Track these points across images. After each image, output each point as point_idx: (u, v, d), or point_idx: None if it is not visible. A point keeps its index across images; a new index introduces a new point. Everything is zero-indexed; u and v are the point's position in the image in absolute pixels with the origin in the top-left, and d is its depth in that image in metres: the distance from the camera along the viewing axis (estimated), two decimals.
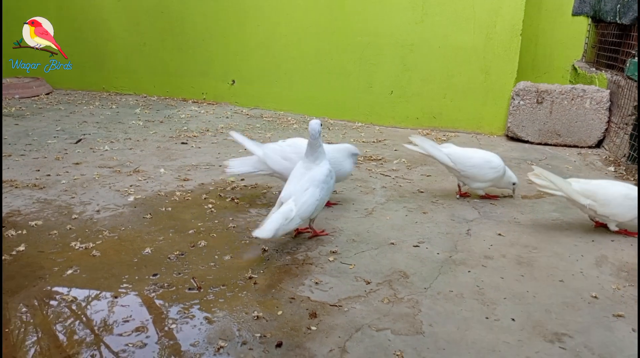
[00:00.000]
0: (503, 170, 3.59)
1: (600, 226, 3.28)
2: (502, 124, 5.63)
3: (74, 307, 2.36)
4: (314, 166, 2.93)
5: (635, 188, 3.15)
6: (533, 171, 3.23)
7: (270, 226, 2.62)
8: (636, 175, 4.20)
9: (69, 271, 2.62)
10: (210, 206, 3.47)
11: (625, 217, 3.10)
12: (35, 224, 3.12)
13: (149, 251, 2.83)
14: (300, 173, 2.91)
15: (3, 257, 2.71)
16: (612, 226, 3.18)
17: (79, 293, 2.45)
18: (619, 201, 3.07)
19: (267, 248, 2.89)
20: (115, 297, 2.42)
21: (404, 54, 5.76)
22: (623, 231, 3.19)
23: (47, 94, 7.17)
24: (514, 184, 3.67)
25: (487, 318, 2.32)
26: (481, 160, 3.58)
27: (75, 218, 3.24)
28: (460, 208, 3.59)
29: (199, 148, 4.91)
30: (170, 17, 6.84)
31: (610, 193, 3.09)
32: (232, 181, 3.94)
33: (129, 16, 7.01)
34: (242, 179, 3.99)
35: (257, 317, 2.27)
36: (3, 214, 3.22)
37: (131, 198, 3.57)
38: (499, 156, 3.65)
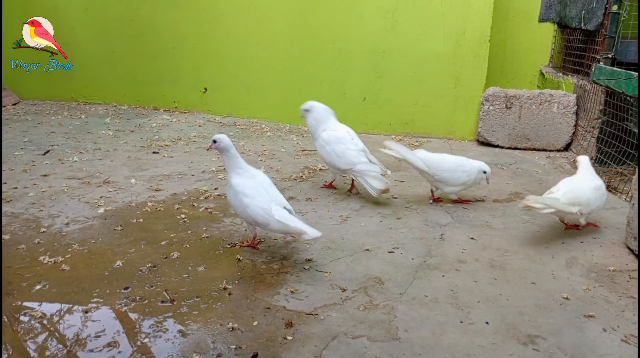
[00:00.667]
0: (475, 173, 3.65)
1: (570, 228, 3.35)
2: (472, 129, 5.71)
3: (44, 323, 2.30)
4: (250, 172, 2.94)
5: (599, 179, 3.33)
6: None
7: (303, 224, 2.71)
8: (604, 177, 4.31)
9: (38, 286, 2.55)
10: (183, 216, 3.43)
11: (596, 206, 3.24)
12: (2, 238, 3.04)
13: (120, 264, 2.77)
14: (255, 182, 2.89)
15: None
16: (582, 221, 3.26)
17: (49, 309, 2.39)
18: (594, 196, 3.20)
19: (241, 258, 2.87)
20: (86, 312, 2.36)
21: (376, 61, 5.80)
22: (591, 224, 3.35)
23: (14, 104, 6.98)
24: (485, 172, 3.70)
25: (461, 322, 2.34)
26: (454, 164, 3.66)
27: (43, 231, 3.16)
28: (434, 213, 3.62)
29: (171, 157, 4.85)
30: (139, 25, 6.74)
31: (584, 191, 3.19)
32: (205, 191, 3.90)
33: (97, 24, 6.89)
34: (216, 189, 3.95)
35: (232, 328, 2.24)
36: None
37: (101, 210, 3.50)
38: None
